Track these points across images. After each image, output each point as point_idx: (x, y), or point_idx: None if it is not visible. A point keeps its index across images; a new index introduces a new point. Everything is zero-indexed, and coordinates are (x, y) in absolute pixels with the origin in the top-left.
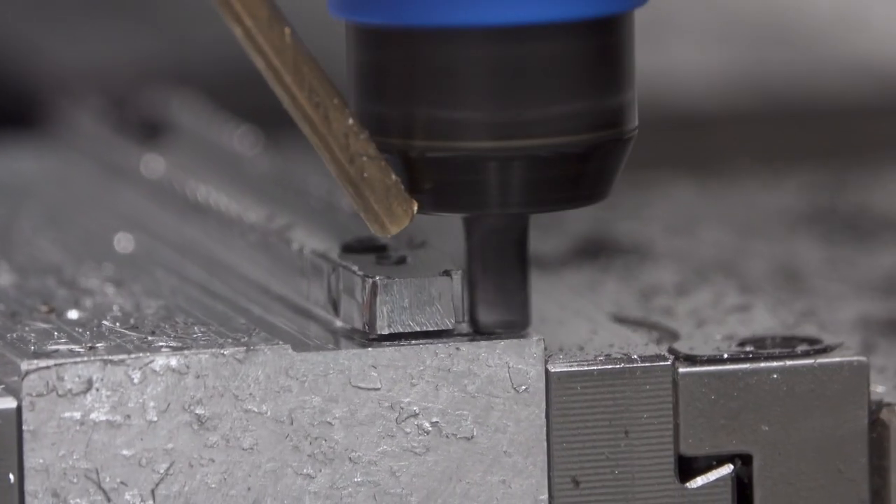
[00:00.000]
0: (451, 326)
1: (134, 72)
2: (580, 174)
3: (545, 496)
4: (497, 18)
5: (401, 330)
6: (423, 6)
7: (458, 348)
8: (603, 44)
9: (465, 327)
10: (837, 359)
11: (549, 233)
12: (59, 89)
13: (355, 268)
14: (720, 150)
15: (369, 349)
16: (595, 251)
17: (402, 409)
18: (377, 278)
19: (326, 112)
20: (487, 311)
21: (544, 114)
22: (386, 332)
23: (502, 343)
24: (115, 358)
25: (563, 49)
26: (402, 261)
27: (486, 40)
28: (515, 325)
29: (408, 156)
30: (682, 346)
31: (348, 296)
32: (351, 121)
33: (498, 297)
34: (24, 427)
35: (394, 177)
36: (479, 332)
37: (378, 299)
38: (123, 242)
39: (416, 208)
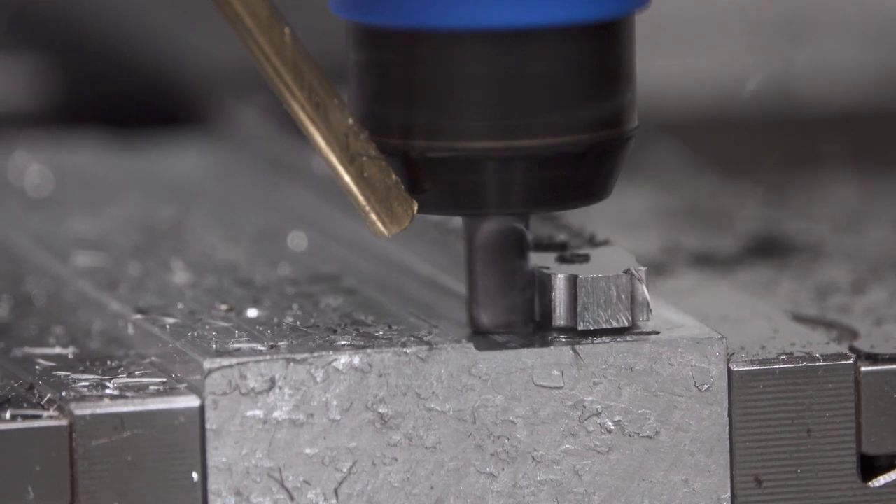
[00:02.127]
0: (632, 325)
1: None
2: (580, 174)
3: (727, 495)
4: (498, 21)
5: (584, 328)
6: (424, 7)
7: (640, 347)
8: (603, 45)
9: (646, 326)
10: None
11: (722, 232)
12: (223, 87)
13: (543, 266)
14: (876, 149)
15: (552, 348)
16: (768, 249)
17: (584, 407)
18: (562, 276)
19: (326, 112)
20: (487, 312)
21: (545, 114)
22: (569, 329)
23: (685, 341)
24: (298, 356)
25: (563, 50)
26: (584, 259)
27: (486, 41)
28: (516, 326)
29: (408, 156)
30: (863, 345)
31: (533, 294)
32: (351, 121)
33: (498, 297)
34: (207, 426)
35: (394, 177)
36: (478, 332)
37: (564, 297)
38: (297, 240)
39: (416, 208)
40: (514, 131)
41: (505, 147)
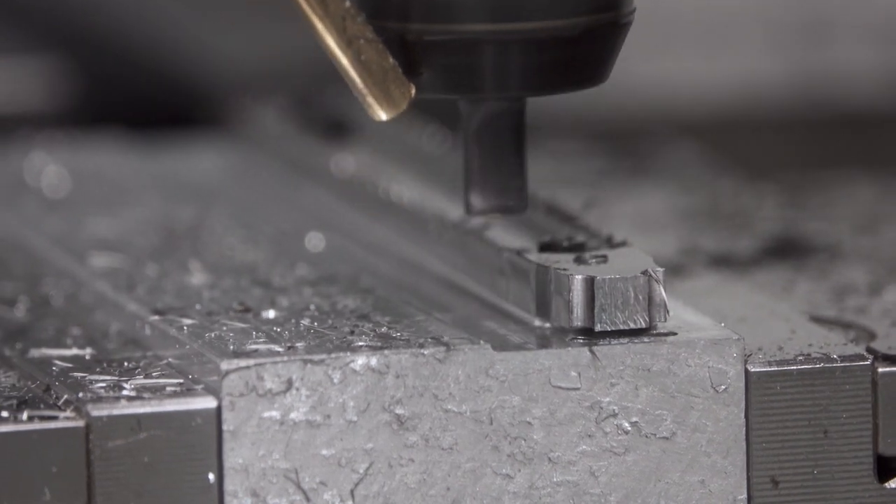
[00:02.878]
0: (649, 326)
1: (317, 70)
2: (577, 57)
3: (744, 496)
4: None
5: (601, 329)
6: None
7: (657, 348)
8: None
9: (663, 327)
10: None
11: (739, 232)
12: (242, 88)
13: (561, 266)
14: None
15: (569, 349)
16: (785, 250)
17: (601, 408)
18: (580, 276)
19: None
20: (483, 196)
21: None
22: (587, 330)
23: (702, 342)
24: (316, 357)
25: None
26: (602, 259)
27: None
28: (510, 210)
29: (405, 39)
30: (881, 346)
31: (550, 295)
32: (348, 3)
33: (494, 181)
34: (224, 427)
35: (391, 60)
36: (472, 214)
37: (582, 298)
38: (314, 241)
39: (413, 92)
40: (510, 14)
41: (501, 30)
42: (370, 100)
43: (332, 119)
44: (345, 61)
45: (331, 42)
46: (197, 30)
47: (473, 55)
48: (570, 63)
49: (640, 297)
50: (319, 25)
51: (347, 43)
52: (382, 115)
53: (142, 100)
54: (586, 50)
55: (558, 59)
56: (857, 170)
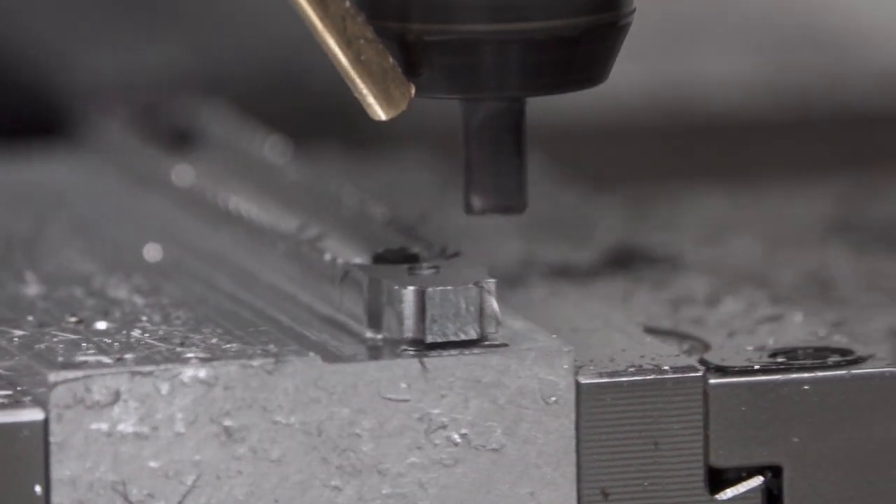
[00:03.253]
0: (481, 337)
1: (163, 81)
2: (576, 58)
3: None
4: None
5: (432, 340)
6: None
7: (487, 359)
8: None
9: (495, 339)
10: (869, 370)
11: (580, 243)
12: (87, 99)
13: (389, 278)
14: (750, 160)
15: (399, 360)
16: (626, 261)
17: (431, 420)
18: (411, 288)
19: None
20: (481, 195)
21: None
22: (418, 342)
23: (532, 354)
24: (144, 369)
25: None
26: (435, 271)
27: None
28: (510, 210)
29: (405, 39)
30: (714, 357)
31: (381, 306)
32: (348, 3)
33: (493, 181)
34: (52, 439)
35: (391, 60)
36: (472, 214)
37: (412, 309)
38: (152, 252)
39: (413, 91)
40: (509, 14)
41: (501, 30)
42: (370, 100)
43: (176, 130)
44: (345, 61)
45: (331, 42)
46: (42, 38)
47: (473, 55)
48: (569, 63)
49: (472, 309)
50: (319, 25)
51: (347, 43)
52: (382, 115)
53: None
54: (586, 50)
55: (558, 59)
56: (708, 180)
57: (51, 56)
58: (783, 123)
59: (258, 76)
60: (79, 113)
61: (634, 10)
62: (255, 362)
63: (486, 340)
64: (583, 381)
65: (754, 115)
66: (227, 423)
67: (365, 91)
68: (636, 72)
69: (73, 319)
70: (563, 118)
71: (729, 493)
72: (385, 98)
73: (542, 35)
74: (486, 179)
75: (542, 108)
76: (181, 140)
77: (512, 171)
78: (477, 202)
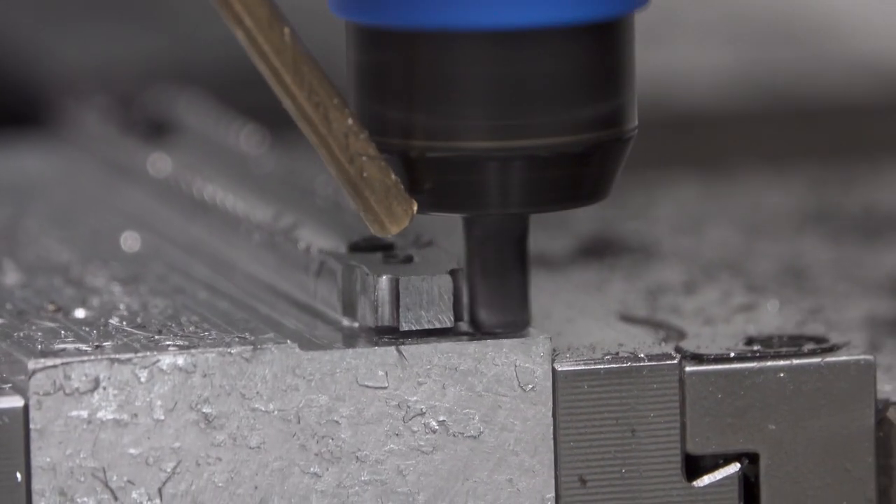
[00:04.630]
0: (455, 325)
1: (139, 71)
2: (580, 174)
3: (552, 495)
4: (497, 21)
5: (406, 328)
6: (423, 8)
7: (464, 347)
8: (602, 45)
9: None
10: (844, 357)
11: (556, 232)
12: (64, 89)
13: (364, 266)
14: (725, 149)
15: (376, 348)
16: (601, 250)
17: (409, 407)
18: (385, 276)
19: (326, 112)
20: (487, 312)
21: (544, 114)
22: (392, 330)
23: (509, 342)
24: (122, 357)
25: (562, 51)
26: (408, 259)
27: (485, 42)
28: (516, 325)
29: (408, 156)
30: (689, 345)
31: (356, 294)
32: (351, 121)
33: (498, 297)
34: (31, 426)
35: (394, 177)
36: (479, 332)
37: (386, 297)
38: (130, 241)
39: (415, 208)
40: (513, 131)
41: (504, 147)
42: (372, 216)
43: (153, 120)
44: (347, 178)
45: (333, 159)
46: (19, 28)
47: (476, 172)
48: (572, 180)
49: (446, 297)
50: (322, 142)
51: (350, 160)
52: (384, 232)
53: None
54: (589, 166)
55: (562, 176)
56: (684, 169)
57: (28, 45)
58: (758, 114)
59: (234, 66)
60: (55, 103)
61: (637, 126)
62: (234, 350)
63: (463, 328)
64: (560, 368)
65: (729, 105)
66: (206, 410)
67: (367, 208)
68: None
69: (52, 307)
70: None
71: (706, 479)
72: (387, 215)
73: (545, 152)
74: (490, 295)
75: None
76: (158, 130)
77: (516, 287)
78: (483, 319)
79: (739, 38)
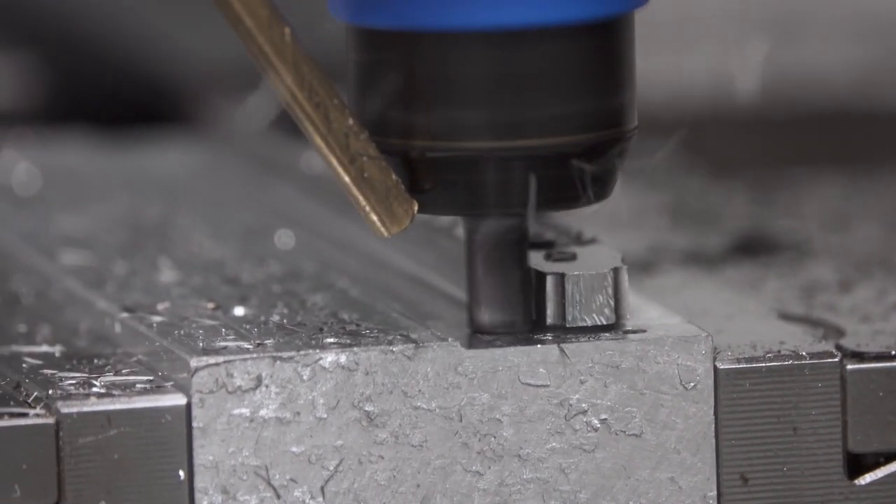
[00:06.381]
0: (619, 322)
1: None
2: (581, 174)
3: (714, 493)
4: (497, 21)
5: (570, 325)
6: (423, 9)
7: (626, 345)
8: (602, 44)
9: (634, 324)
10: None
11: (708, 230)
12: (213, 86)
13: (530, 263)
14: (866, 146)
15: (538, 346)
16: (754, 248)
17: (570, 406)
18: (552, 274)
19: (326, 112)
20: (487, 312)
21: (544, 114)
22: (557, 327)
23: (671, 339)
24: (285, 355)
25: (562, 50)
26: (572, 257)
27: (485, 42)
28: (516, 327)
29: (408, 156)
30: (849, 343)
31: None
32: (351, 121)
33: (498, 297)
34: (194, 424)
35: (394, 177)
36: (478, 332)
37: (552, 295)
38: (284, 239)
39: (416, 208)
40: (513, 131)
41: (505, 147)
42: (373, 217)
43: None
44: (347, 178)
45: (333, 159)
46: (167, 27)
47: (477, 172)
48: (573, 180)
49: (610, 294)
50: (322, 142)
51: (350, 160)
52: (385, 232)
53: (112, 97)
54: (591, 166)
55: (563, 176)
56: (826, 167)
57: (171, 43)
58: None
59: None
60: (203, 100)
61: (637, 126)
62: (396, 348)
63: (624, 326)
64: (721, 366)
65: (872, 102)
66: (368, 408)
67: (368, 208)
68: (753, 62)
69: (211, 305)
70: (679, 106)
71: (868, 478)
72: (388, 215)
73: (546, 152)
74: (491, 296)
75: (659, 95)
76: None
77: (517, 286)
78: (483, 320)
79: (874, 35)
